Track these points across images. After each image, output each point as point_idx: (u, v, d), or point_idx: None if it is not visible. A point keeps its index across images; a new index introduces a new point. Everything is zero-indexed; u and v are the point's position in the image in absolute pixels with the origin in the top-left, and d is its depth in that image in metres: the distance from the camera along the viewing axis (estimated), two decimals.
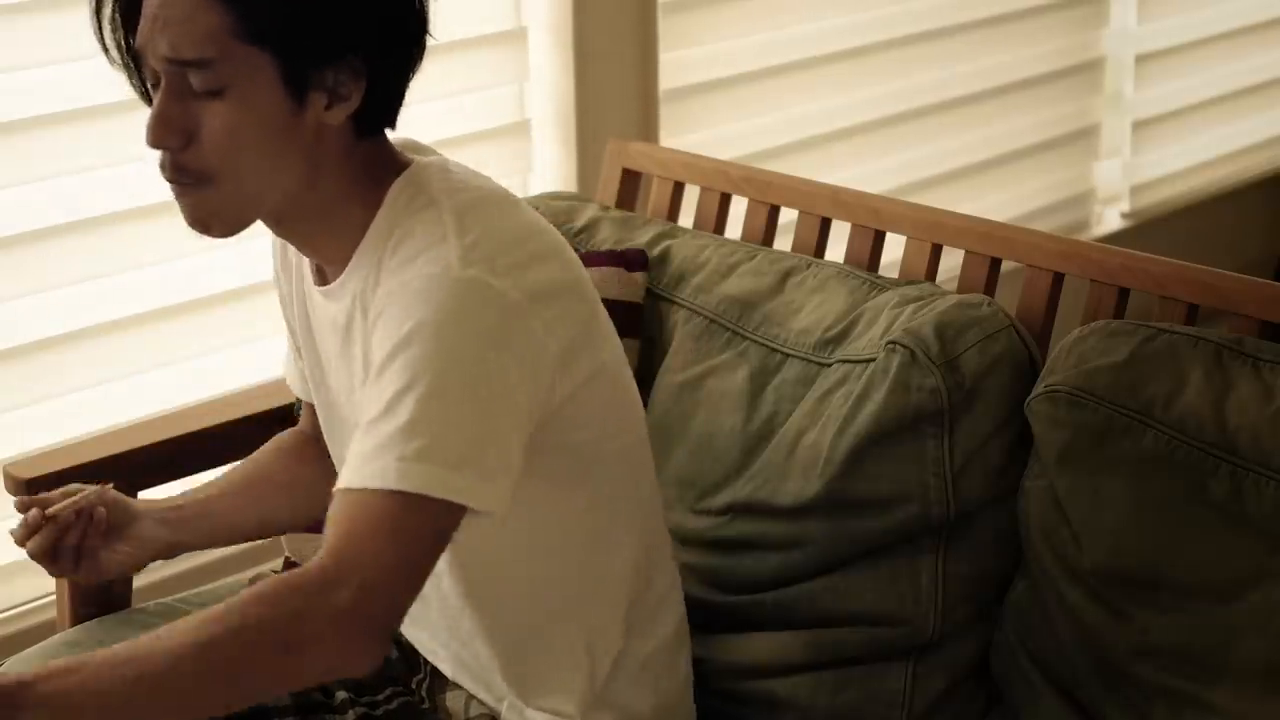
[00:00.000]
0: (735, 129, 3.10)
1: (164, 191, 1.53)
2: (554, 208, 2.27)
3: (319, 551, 1.41)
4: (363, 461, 1.42)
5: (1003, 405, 1.87)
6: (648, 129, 2.90)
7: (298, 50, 1.46)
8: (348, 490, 1.42)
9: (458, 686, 1.75)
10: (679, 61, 2.98)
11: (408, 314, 1.45)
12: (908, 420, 1.85)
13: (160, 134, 1.47)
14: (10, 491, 2.05)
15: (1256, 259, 4.07)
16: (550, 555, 1.65)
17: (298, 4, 1.45)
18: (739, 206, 2.28)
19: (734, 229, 2.28)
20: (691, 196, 2.33)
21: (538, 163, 2.84)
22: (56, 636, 1.98)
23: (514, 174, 2.82)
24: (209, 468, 2.07)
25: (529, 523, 1.59)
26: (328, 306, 1.60)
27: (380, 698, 1.76)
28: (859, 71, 3.30)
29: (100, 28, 1.54)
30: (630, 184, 2.37)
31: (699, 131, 3.02)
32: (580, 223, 2.24)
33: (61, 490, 1.72)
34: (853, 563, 1.90)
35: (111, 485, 1.74)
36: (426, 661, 1.80)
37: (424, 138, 2.66)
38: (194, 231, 1.54)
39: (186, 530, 1.78)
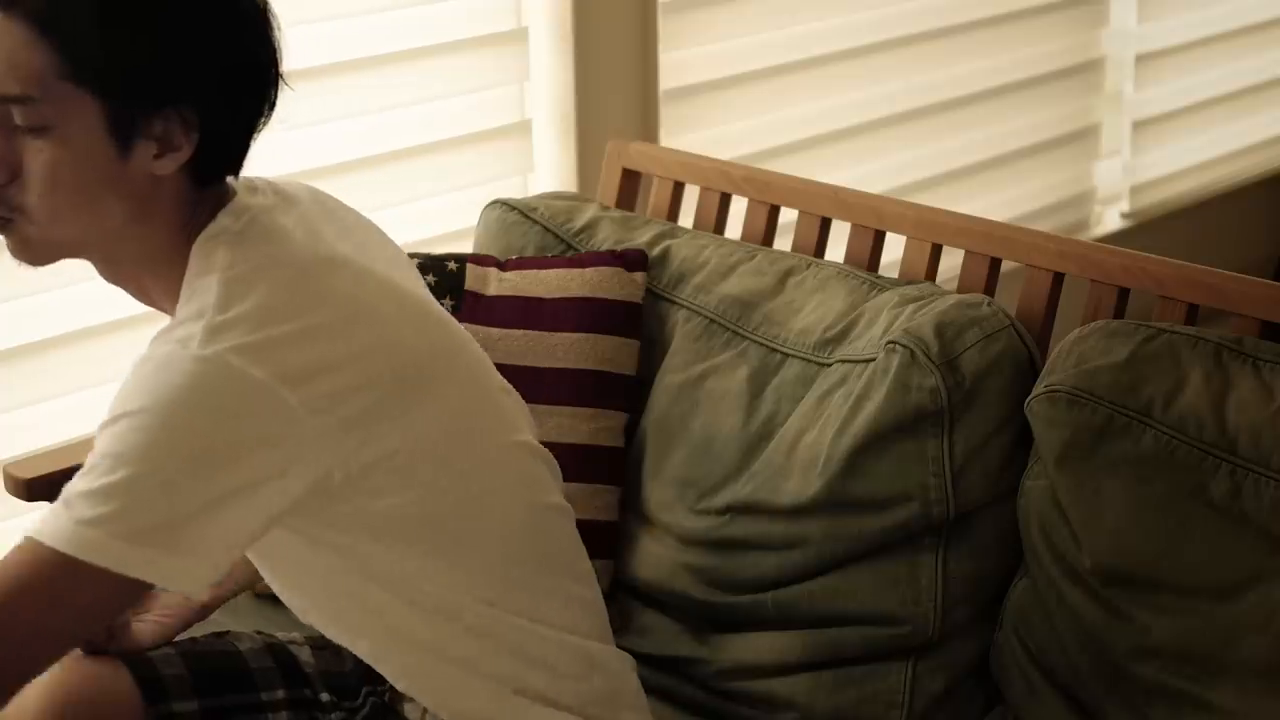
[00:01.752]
0: (735, 129, 3.10)
1: None
2: (554, 208, 2.27)
3: None
4: (48, 514, 1.40)
5: (1003, 405, 1.87)
6: (648, 129, 2.90)
7: (123, 97, 1.42)
8: (27, 536, 1.40)
9: (410, 699, 1.74)
10: (679, 61, 2.98)
11: (138, 387, 1.41)
12: (908, 420, 1.85)
13: None
14: (10, 491, 2.05)
15: (1256, 259, 4.07)
16: (390, 608, 1.59)
17: (125, 49, 1.41)
18: (739, 206, 2.28)
19: (734, 229, 2.28)
20: (691, 196, 2.34)
21: (538, 163, 2.84)
22: None
23: (514, 174, 2.82)
24: None
25: (360, 575, 1.56)
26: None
27: (357, 703, 1.77)
28: (859, 71, 3.30)
29: None
30: (630, 184, 2.37)
31: (699, 131, 3.02)
32: (580, 223, 2.24)
33: None
34: (852, 563, 1.90)
35: None
36: None
37: (424, 138, 2.69)
38: (20, 263, 1.50)
39: (215, 589, 1.78)
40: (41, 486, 2.03)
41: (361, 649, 1.66)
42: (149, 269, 1.52)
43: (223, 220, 1.50)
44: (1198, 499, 1.72)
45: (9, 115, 1.43)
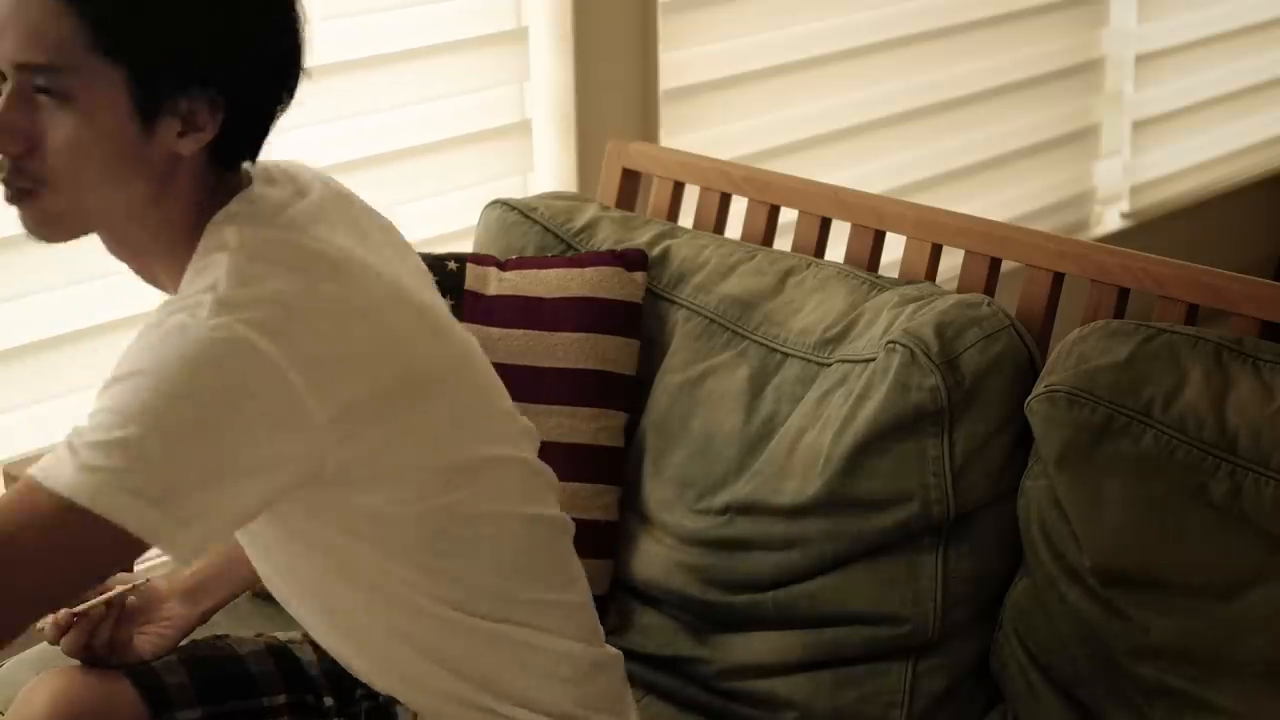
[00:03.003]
0: (735, 129, 3.10)
1: None
2: (554, 208, 2.27)
3: None
4: (52, 458, 1.37)
5: (1003, 405, 1.87)
6: (648, 129, 2.90)
7: (151, 73, 1.40)
8: (29, 475, 1.37)
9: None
10: (679, 61, 2.98)
11: (144, 351, 1.39)
12: (908, 420, 1.85)
13: (1, 139, 1.42)
14: None
15: (1256, 259, 4.07)
16: (372, 613, 1.58)
17: (158, 25, 1.40)
18: (739, 206, 2.29)
19: (734, 229, 2.28)
20: (691, 196, 2.34)
21: (538, 163, 2.84)
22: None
23: (514, 174, 2.82)
24: None
25: (338, 575, 1.55)
26: None
27: (356, 708, 1.76)
28: (859, 71, 3.30)
29: None
30: (630, 184, 2.37)
31: (699, 131, 3.02)
32: (580, 223, 2.24)
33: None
34: (852, 563, 1.90)
35: (147, 580, 1.73)
36: None
37: (425, 138, 2.69)
38: (34, 239, 1.48)
39: (209, 597, 1.78)
40: None
41: (341, 651, 1.65)
42: (158, 246, 1.50)
43: (236, 205, 1.48)
44: (1198, 499, 1.72)
45: (31, 86, 1.41)
